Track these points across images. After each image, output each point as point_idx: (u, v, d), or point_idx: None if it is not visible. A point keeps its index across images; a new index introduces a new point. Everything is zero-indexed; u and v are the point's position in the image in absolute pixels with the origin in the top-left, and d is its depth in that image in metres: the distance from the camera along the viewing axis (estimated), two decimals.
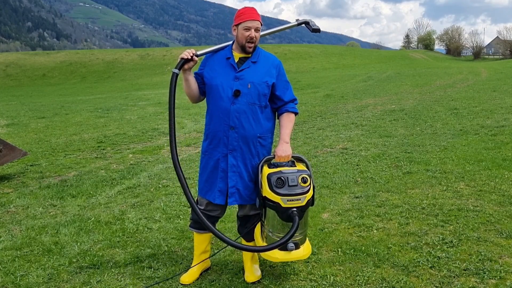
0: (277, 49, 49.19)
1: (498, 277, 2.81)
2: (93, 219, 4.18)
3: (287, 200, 2.55)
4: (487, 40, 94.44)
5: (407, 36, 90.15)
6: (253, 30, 2.68)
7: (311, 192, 2.61)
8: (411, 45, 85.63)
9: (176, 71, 2.70)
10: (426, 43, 76.48)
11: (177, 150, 2.76)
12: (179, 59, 2.72)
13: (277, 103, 2.84)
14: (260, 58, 2.79)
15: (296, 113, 2.89)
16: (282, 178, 2.57)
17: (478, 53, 67.53)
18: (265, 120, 2.81)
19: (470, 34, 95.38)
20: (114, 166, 6.49)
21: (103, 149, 7.79)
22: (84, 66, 43.59)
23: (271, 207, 2.60)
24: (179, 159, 2.75)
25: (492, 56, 69.94)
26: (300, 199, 2.57)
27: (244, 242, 3.01)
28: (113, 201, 4.77)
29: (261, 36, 2.93)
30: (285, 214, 2.57)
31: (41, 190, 5.25)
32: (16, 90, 31.03)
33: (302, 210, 2.58)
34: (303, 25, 3.21)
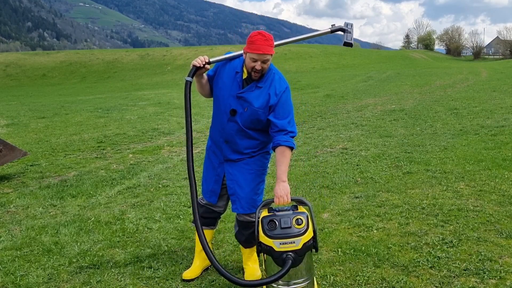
0: (277, 49, 48.87)
1: (498, 277, 2.81)
2: (93, 219, 4.18)
3: (280, 244, 2.40)
4: (487, 40, 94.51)
5: (407, 36, 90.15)
6: (259, 62, 2.58)
7: (308, 235, 2.44)
8: (411, 45, 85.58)
9: (189, 79, 2.66)
10: (426, 43, 76.45)
11: (193, 157, 2.69)
12: (191, 66, 2.68)
13: (271, 127, 2.70)
14: (267, 83, 2.68)
15: (291, 148, 2.66)
16: (274, 220, 2.44)
17: (478, 53, 67.51)
18: (262, 137, 2.78)
19: (470, 34, 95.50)
20: (114, 166, 6.49)
21: (103, 149, 7.79)
22: (84, 66, 43.59)
23: (266, 252, 2.48)
24: (194, 167, 2.67)
25: (492, 56, 69.89)
26: (294, 242, 2.40)
27: (242, 248, 3.02)
28: (113, 201, 4.77)
29: (290, 43, 2.89)
30: (279, 259, 2.41)
31: (41, 190, 5.25)
32: (16, 90, 31.02)
33: (298, 254, 2.41)
34: (340, 32, 2.88)
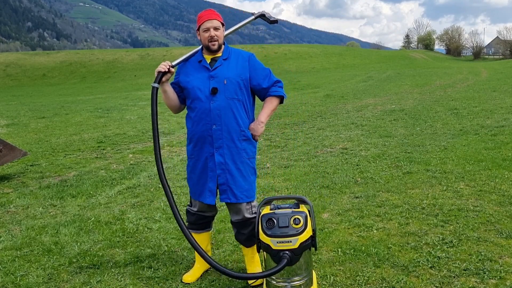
0: (277, 49, 49.20)
1: (498, 277, 2.81)
2: (93, 219, 4.18)
3: (277, 242, 2.46)
4: (487, 40, 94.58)
5: (407, 36, 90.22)
6: (211, 29, 2.73)
7: (306, 234, 2.49)
8: (411, 45, 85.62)
9: (156, 85, 2.74)
10: (426, 43, 76.48)
11: (163, 167, 2.79)
12: (156, 73, 2.76)
13: (260, 92, 2.88)
14: (231, 55, 2.84)
15: (279, 96, 2.87)
16: (273, 219, 2.50)
17: (478, 53, 67.51)
18: (245, 114, 2.83)
19: (470, 34, 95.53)
20: (114, 166, 6.49)
21: (103, 149, 7.79)
22: (84, 66, 43.59)
23: (264, 249, 2.55)
24: (166, 177, 2.78)
25: (492, 56, 69.90)
26: (291, 241, 2.46)
27: (244, 249, 3.00)
28: (113, 201, 4.77)
29: (225, 35, 2.92)
30: (276, 257, 2.48)
31: (41, 190, 5.25)
32: (16, 90, 31.03)
33: (295, 253, 2.47)
34: (260, 18, 3.24)
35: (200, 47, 2.91)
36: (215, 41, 2.74)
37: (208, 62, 2.81)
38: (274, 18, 3.24)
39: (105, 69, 42.62)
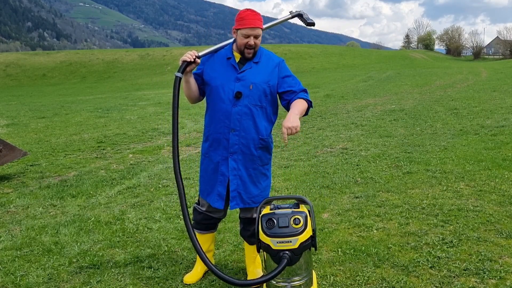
0: (277, 49, 49.15)
1: (498, 277, 2.81)
2: (93, 219, 4.18)
3: (277, 242, 2.45)
4: (487, 40, 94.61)
5: (407, 36, 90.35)
6: (252, 37, 2.61)
7: (306, 234, 2.47)
8: (411, 45, 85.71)
9: (179, 74, 2.64)
10: (426, 43, 76.54)
11: (179, 159, 2.71)
12: (180, 62, 2.66)
13: (287, 97, 2.72)
14: (262, 58, 2.73)
15: (308, 101, 2.69)
16: (273, 219, 2.49)
17: (478, 53, 67.57)
18: (266, 122, 2.74)
19: (470, 34, 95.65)
20: (114, 166, 6.49)
21: (103, 149, 7.79)
22: (84, 66, 43.59)
23: (264, 249, 2.54)
24: (180, 170, 2.70)
25: (492, 56, 69.95)
26: (291, 241, 2.44)
27: (246, 247, 3.00)
28: (113, 201, 4.77)
29: (266, 28, 2.84)
30: (276, 257, 2.47)
31: (41, 190, 5.25)
32: (16, 90, 31.03)
33: (295, 253, 2.46)
34: (297, 17, 3.14)
35: (231, 40, 2.78)
36: (252, 49, 2.64)
37: (237, 61, 2.70)
38: (312, 20, 3.12)
39: (105, 69, 42.62)
